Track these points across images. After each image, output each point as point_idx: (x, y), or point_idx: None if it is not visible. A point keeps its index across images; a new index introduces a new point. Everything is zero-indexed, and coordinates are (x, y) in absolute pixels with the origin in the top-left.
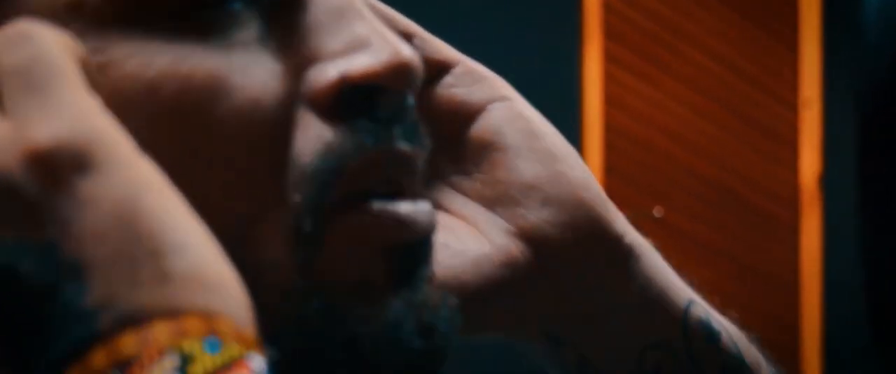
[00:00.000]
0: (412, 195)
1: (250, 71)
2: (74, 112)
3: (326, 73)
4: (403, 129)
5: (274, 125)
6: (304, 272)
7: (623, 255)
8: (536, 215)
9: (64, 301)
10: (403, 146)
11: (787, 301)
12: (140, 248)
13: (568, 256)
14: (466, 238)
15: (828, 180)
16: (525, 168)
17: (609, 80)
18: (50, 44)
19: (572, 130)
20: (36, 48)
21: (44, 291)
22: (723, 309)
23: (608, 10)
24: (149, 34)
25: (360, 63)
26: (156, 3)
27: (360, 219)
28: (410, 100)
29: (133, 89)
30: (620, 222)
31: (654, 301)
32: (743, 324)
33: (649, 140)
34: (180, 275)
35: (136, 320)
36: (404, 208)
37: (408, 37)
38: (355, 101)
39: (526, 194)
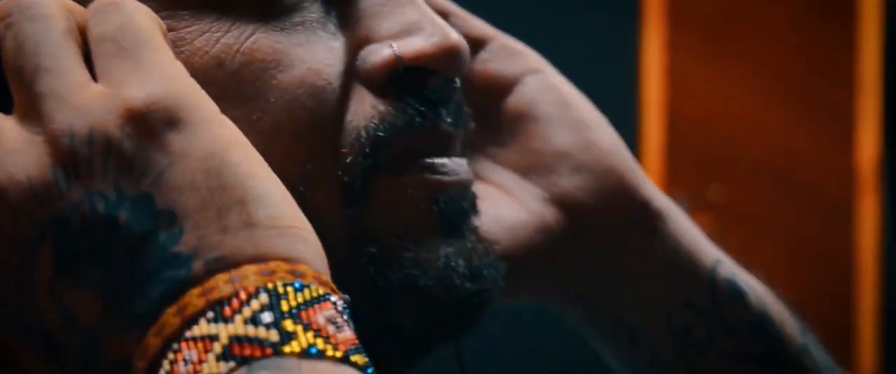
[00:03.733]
0: (452, 155)
1: (310, 47)
2: (164, 74)
3: (381, 52)
4: (449, 109)
5: (330, 96)
6: (355, 224)
7: (652, 218)
8: (568, 182)
9: (159, 247)
10: (447, 126)
11: (843, 283)
12: (228, 197)
13: (599, 220)
14: (502, 206)
15: (888, 163)
16: (557, 137)
17: (669, 63)
18: (137, 13)
19: (630, 113)
20: (125, 17)
21: (141, 238)
22: (763, 278)
23: None
24: (216, 14)
25: (413, 45)
26: None
27: (405, 173)
28: (457, 82)
29: (201, 62)
30: (649, 187)
31: (682, 262)
32: (798, 304)
33: (709, 123)
34: (264, 222)
35: (228, 263)
36: (444, 160)
37: (444, 15)
38: (406, 80)
39: (558, 162)
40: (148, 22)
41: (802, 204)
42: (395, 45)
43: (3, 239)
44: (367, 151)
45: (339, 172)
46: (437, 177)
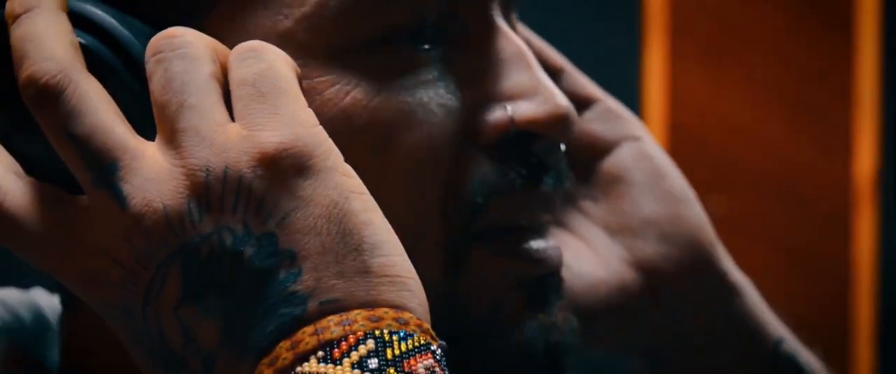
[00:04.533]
0: (547, 233)
1: (431, 108)
2: (297, 121)
3: (495, 115)
4: (551, 174)
5: (446, 159)
6: (447, 290)
7: (727, 291)
8: (652, 249)
9: (278, 284)
10: (548, 187)
11: (840, 294)
12: (345, 244)
13: (677, 288)
14: (586, 261)
15: (885, 175)
16: (647, 205)
17: (670, 74)
18: (277, 60)
19: None
20: (265, 63)
21: (262, 274)
22: (807, 345)
23: (672, 8)
24: (346, 67)
25: (527, 109)
26: (354, 41)
27: (500, 252)
28: (562, 147)
29: (329, 113)
30: (727, 262)
31: (749, 336)
32: (795, 315)
33: (709, 135)
34: (377, 270)
35: (340, 307)
36: (537, 245)
37: (557, 71)
38: (516, 141)
39: (645, 229)
40: (286, 69)
41: (800, 215)
42: (509, 107)
43: (136, 258)
44: (468, 215)
45: (442, 237)
46: (530, 265)
